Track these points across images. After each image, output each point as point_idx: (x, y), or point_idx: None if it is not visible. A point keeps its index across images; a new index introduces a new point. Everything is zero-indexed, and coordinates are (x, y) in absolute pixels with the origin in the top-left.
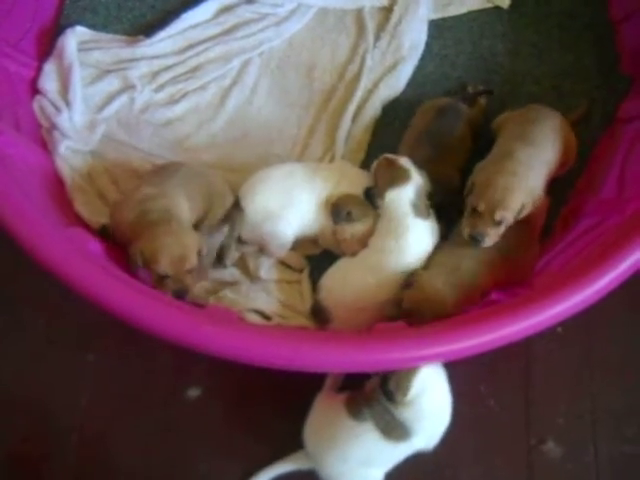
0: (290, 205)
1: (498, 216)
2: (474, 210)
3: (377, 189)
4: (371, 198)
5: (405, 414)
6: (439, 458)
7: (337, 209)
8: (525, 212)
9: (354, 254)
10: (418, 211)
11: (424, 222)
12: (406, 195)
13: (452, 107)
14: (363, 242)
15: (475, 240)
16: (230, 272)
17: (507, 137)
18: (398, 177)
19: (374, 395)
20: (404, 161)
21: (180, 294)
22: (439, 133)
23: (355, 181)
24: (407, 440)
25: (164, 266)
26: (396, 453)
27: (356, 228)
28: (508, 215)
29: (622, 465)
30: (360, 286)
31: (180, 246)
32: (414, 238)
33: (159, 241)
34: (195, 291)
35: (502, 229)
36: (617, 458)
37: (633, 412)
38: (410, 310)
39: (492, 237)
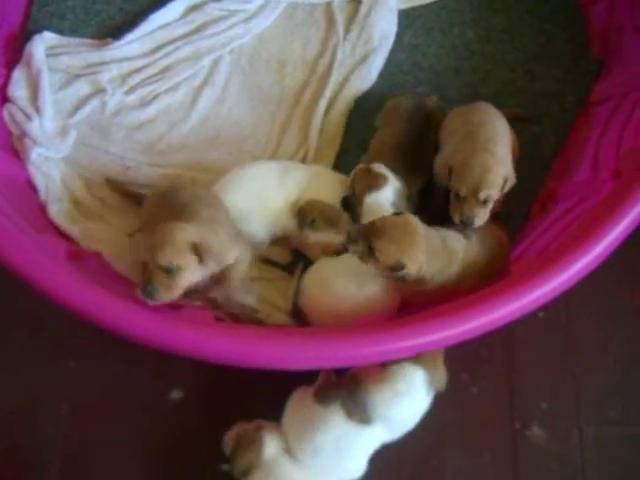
0: (261, 205)
1: (482, 195)
2: (457, 195)
3: (355, 197)
4: (350, 206)
5: (376, 398)
6: (425, 446)
7: (302, 214)
8: (509, 186)
9: (316, 258)
10: (398, 211)
11: None
12: (385, 197)
13: (419, 110)
14: (324, 250)
15: (466, 224)
16: None
17: (462, 124)
18: (376, 182)
19: (351, 382)
20: (379, 167)
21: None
22: (412, 145)
23: (327, 185)
24: (368, 424)
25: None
26: (362, 441)
27: (318, 237)
28: (492, 192)
29: (607, 447)
30: (342, 293)
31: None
32: None
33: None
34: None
35: (490, 206)
36: (602, 440)
37: (616, 393)
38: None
39: (481, 217)
